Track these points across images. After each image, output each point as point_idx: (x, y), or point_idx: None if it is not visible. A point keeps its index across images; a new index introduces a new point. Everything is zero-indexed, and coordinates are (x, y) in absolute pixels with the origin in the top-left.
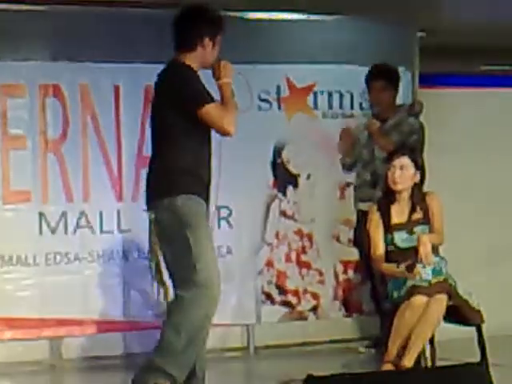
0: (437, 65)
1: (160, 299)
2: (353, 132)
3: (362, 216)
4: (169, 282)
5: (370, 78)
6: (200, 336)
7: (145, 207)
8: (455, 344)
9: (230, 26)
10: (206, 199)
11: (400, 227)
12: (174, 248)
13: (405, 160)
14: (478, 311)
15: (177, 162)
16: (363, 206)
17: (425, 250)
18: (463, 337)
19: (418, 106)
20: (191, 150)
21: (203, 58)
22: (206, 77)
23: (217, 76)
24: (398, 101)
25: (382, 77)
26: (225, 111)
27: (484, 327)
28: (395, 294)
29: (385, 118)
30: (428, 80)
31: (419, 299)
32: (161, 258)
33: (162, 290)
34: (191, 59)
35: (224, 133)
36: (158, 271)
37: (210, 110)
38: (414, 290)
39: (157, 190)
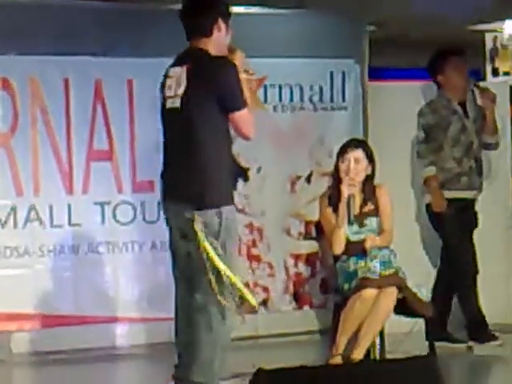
0: (386, 58)
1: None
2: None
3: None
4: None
5: (448, 60)
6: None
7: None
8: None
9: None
10: None
11: (351, 220)
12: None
13: (359, 152)
14: (427, 303)
15: (218, 163)
16: (469, 195)
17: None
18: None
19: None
20: (226, 148)
21: (219, 44)
22: None
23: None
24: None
25: (463, 56)
26: (250, 116)
27: None
28: (346, 287)
29: (461, 101)
30: (377, 73)
31: (369, 292)
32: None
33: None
34: (209, 45)
35: (247, 138)
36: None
37: (243, 116)
38: (364, 283)
39: (201, 195)
